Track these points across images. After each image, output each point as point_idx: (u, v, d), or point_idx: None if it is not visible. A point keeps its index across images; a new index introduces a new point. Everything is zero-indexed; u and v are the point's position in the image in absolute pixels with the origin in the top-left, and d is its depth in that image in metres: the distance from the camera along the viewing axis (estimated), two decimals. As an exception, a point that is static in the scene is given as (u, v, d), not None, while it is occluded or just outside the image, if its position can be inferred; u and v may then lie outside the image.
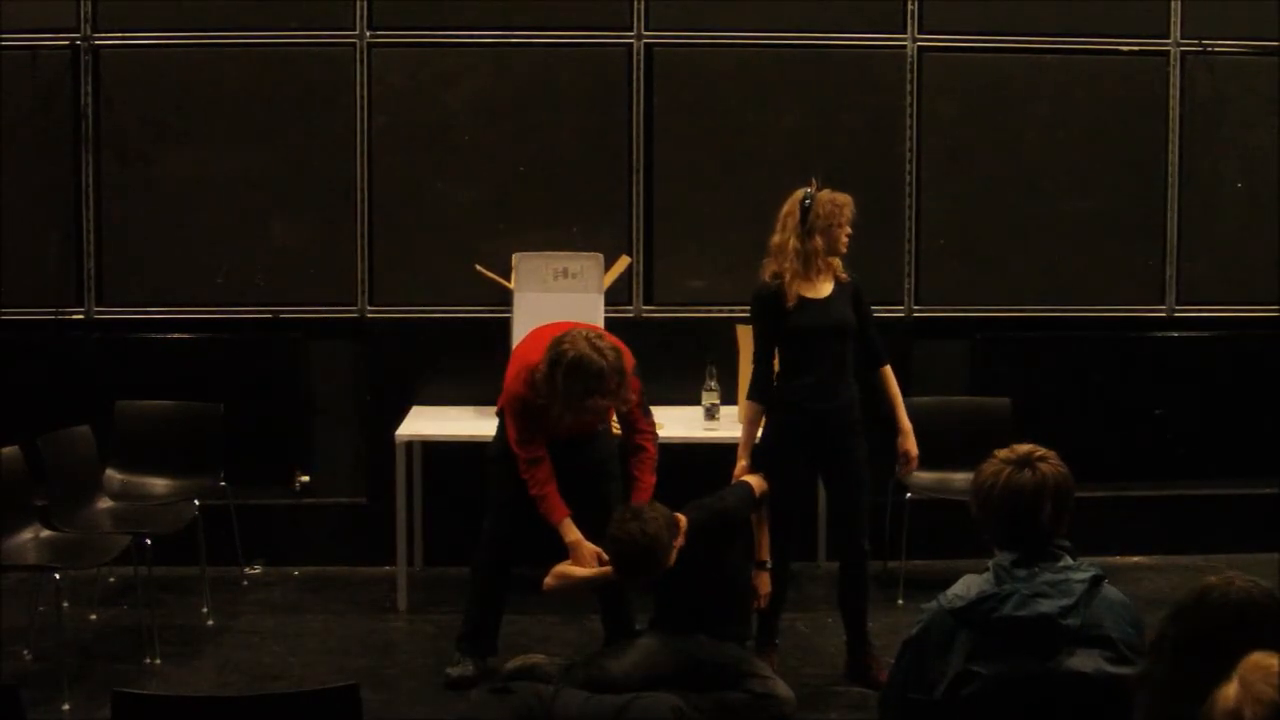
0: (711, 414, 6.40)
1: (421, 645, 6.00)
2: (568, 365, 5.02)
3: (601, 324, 6.26)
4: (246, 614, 6.34)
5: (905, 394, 5.80)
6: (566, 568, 5.30)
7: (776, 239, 5.42)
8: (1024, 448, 3.57)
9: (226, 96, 6.92)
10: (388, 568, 6.69)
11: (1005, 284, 7.15)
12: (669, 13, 6.98)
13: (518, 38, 6.95)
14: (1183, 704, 2.72)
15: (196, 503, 6.24)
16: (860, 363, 5.55)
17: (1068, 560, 3.49)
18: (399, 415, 6.69)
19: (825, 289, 5.42)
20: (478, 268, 6.78)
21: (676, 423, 6.32)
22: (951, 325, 7.16)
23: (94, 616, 6.22)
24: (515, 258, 6.72)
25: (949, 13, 7.06)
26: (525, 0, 6.97)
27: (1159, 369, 7.23)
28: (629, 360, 5.15)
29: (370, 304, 7.01)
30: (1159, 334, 7.26)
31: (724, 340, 6.60)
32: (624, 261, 6.84)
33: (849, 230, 5.42)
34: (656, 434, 5.48)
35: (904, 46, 7.04)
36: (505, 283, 6.73)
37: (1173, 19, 7.11)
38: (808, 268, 5.37)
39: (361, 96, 6.92)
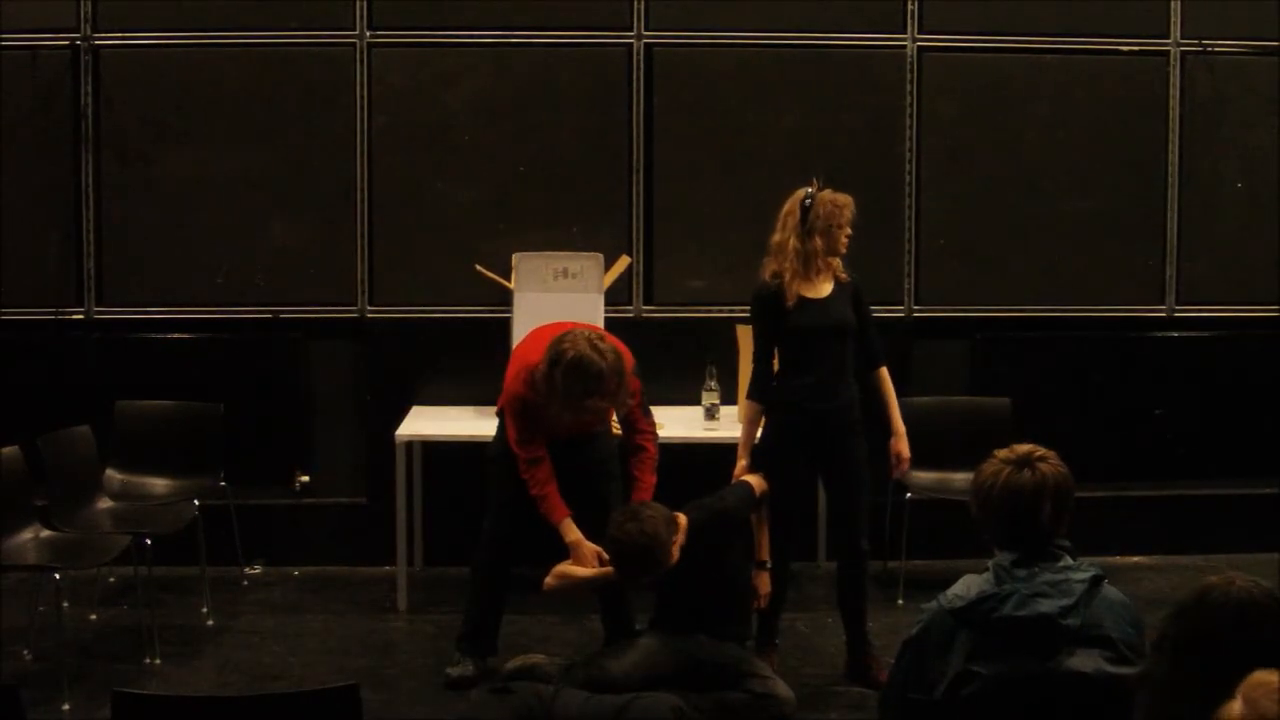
0: (711, 414, 6.40)
1: (421, 645, 6.00)
2: (567, 365, 5.02)
3: (601, 324, 6.27)
4: (246, 614, 6.34)
5: (905, 394, 5.81)
6: (567, 568, 5.30)
7: (776, 238, 5.43)
8: (1024, 448, 3.57)
9: (226, 96, 6.92)
10: (388, 568, 6.69)
11: (1005, 284, 7.15)
12: (669, 13, 6.98)
13: (518, 38, 6.95)
14: (1183, 704, 2.72)
15: (196, 503, 6.24)
16: (857, 363, 5.55)
17: (1068, 560, 3.50)
18: (399, 415, 6.69)
19: (825, 289, 5.42)
20: (478, 268, 6.79)
21: (676, 423, 6.32)
22: (951, 325, 7.16)
23: (94, 616, 6.22)
24: (515, 258, 6.72)
25: (949, 13, 7.06)
26: (525, 0, 6.97)
27: (1159, 369, 7.23)
28: (629, 362, 5.15)
29: (370, 304, 7.01)
30: (1159, 334, 7.26)
31: (724, 340, 6.60)
32: (624, 261, 6.84)
33: (849, 231, 5.41)
34: (657, 434, 5.48)
35: (904, 46, 7.04)
36: (505, 283, 6.73)
37: (1173, 19, 7.11)
38: (807, 268, 5.37)
39: (361, 96, 6.92)
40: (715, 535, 5.28)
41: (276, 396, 7.00)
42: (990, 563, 3.52)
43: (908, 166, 7.07)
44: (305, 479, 7.06)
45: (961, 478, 6.14)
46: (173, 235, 6.93)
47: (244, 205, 6.94)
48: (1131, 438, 7.22)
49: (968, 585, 3.49)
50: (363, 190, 6.95)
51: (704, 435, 6.36)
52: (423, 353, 6.97)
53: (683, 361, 6.64)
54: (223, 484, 6.53)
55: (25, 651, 5.66)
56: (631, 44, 6.97)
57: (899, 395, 5.70)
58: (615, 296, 6.85)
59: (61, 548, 5.71)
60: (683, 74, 7.01)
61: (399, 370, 6.97)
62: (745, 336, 6.13)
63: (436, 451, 6.67)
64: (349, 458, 7.11)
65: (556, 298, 6.50)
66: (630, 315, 6.98)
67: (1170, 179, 7.17)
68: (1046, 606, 3.39)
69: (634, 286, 7.02)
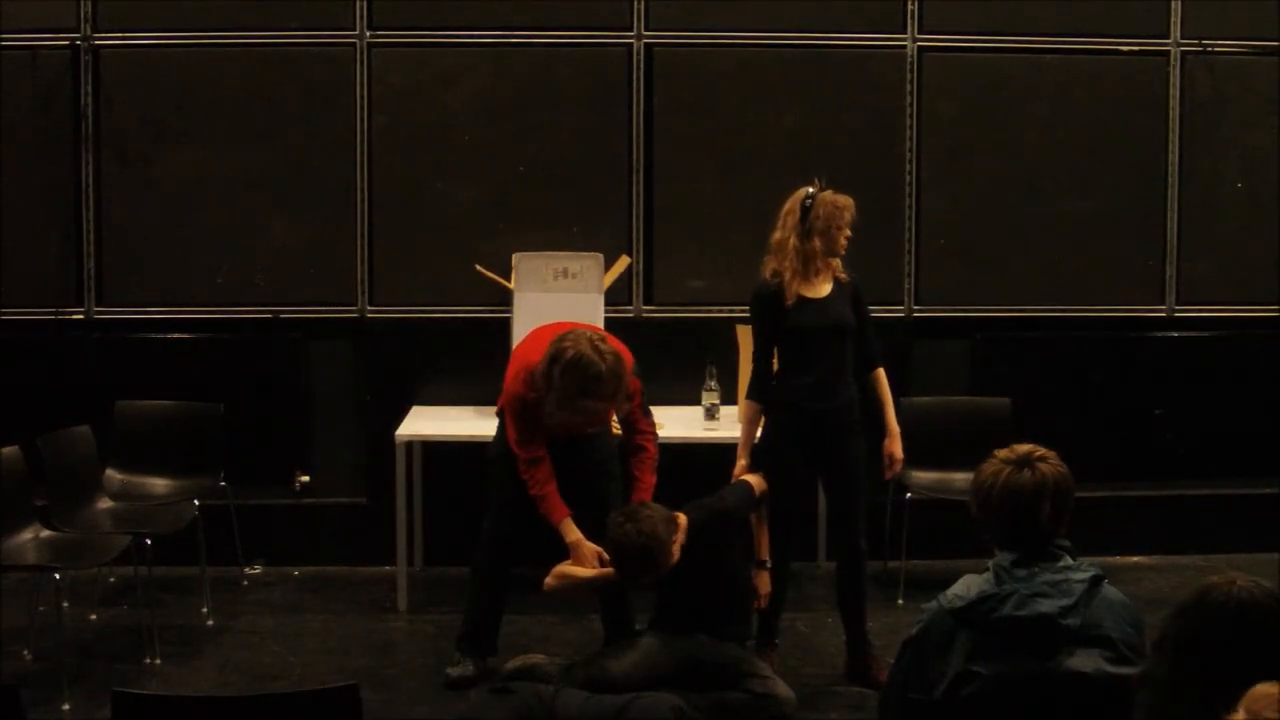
0: (711, 414, 6.40)
1: (421, 645, 6.00)
2: (567, 363, 5.02)
3: (601, 324, 6.27)
4: (246, 614, 6.34)
5: (905, 394, 5.81)
6: (567, 568, 5.30)
7: (777, 236, 5.43)
8: (1024, 448, 3.57)
9: (226, 96, 6.92)
10: (388, 568, 6.69)
11: (1005, 284, 7.15)
12: (669, 13, 6.98)
13: (518, 38, 6.95)
14: (1183, 704, 2.72)
15: (196, 503, 6.24)
16: (855, 364, 5.55)
17: (1067, 560, 3.50)
18: (399, 415, 6.69)
19: (824, 289, 5.42)
20: (478, 268, 6.79)
21: (676, 423, 6.32)
22: (951, 325, 7.16)
23: (94, 616, 6.22)
24: (515, 258, 6.72)
25: (949, 13, 7.06)
26: (525, 0, 6.97)
27: (1159, 369, 7.23)
28: (629, 363, 5.14)
29: (370, 304, 7.01)
30: (1159, 334, 7.26)
31: (724, 340, 6.60)
32: (624, 261, 6.85)
33: (848, 233, 5.41)
34: (657, 434, 5.48)
35: (904, 46, 7.04)
36: (505, 283, 6.73)
37: (1173, 19, 7.11)
38: (806, 267, 5.37)
39: (361, 96, 6.92)
40: (715, 535, 5.28)
41: (276, 396, 7.00)
42: (990, 563, 3.52)
43: (908, 166, 7.07)
44: (305, 479, 7.06)
45: (961, 478, 6.13)
46: (173, 235, 6.93)
47: (244, 205, 6.94)
48: (1131, 438, 7.22)
49: (968, 585, 3.49)
50: (363, 190, 6.95)
51: (704, 435, 6.36)
52: (423, 353, 6.97)
53: (683, 361, 6.64)
54: (223, 484, 6.53)
55: (25, 651, 5.66)
56: (631, 44, 6.97)
57: (899, 395, 5.71)
58: (615, 296, 6.85)
59: (61, 548, 5.71)
60: (683, 74, 7.01)
61: (399, 370, 6.97)
62: (745, 336, 6.13)
63: (436, 451, 6.67)
64: (349, 458, 7.11)
65: (556, 298, 6.50)
66: (630, 315, 6.98)
67: (1170, 179, 7.17)
68: (1046, 606, 3.39)
69: (634, 286, 7.02)
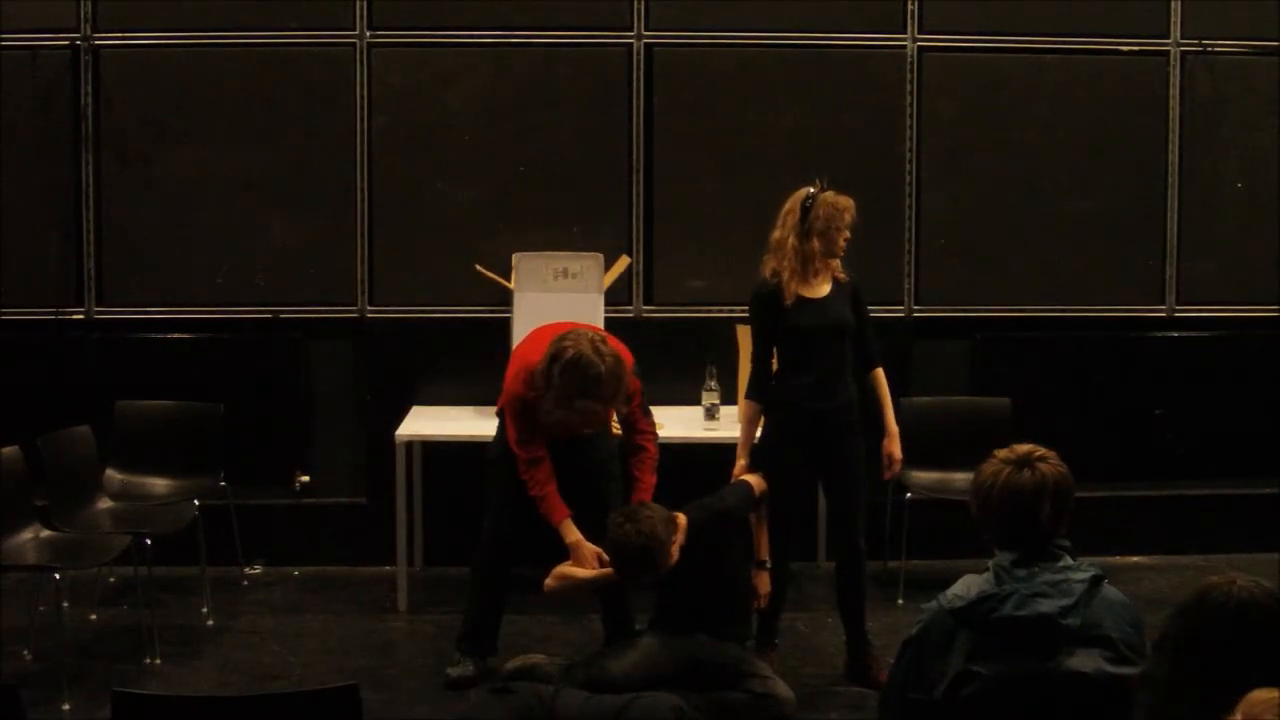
0: (711, 414, 6.40)
1: (421, 645, 6.00)
2: (566, 363, 5.02)
3: (601, 324, 6.27)
4: (246, 614, 6.34)
5: (905, 394, 5.81)
6: (567, 569, 5.30)
7: (776, 235, 5.43)
8: (1024, 448, 3.57)
9: (226, 96, 6.92)
10: (388, 568, 6.69)
11: (1005, 284, 7.15)
12: (669, 13, 6.98)
13: (518, 38, 6.95)
14: (1183, 704, 2.72)
15: (196, 503, 6.24)
16: (854, 364, 5.55)
17: (1067, 560, 3.50)
18: (399, 415, 6.69)
19: (823, 289, 5.42)
20: (478, 268, 6.79)
21: (676, 423, 6.32)
22: (951, 325, 7.16)
23: (94, 616, 6.22)
24: (515, 258, 6.72)
25: (949, 13, 7.06)
26: (525, 0, 6.97)
27: (1159, 369, 7.23)
28: (629, 364, 5.14)
29: (370, 304, 7.01)
30: (1159, 334, 7.26)
31: (724, 340, 6.60)
32: (624, 261, 6.85)
33: (848, 234, 5.41)
34: (657, 434, 5.48)
35: (904, 46, 7.04)
36: (505, 283, 6.73)
37: (1173, 19, 7.11)
38: (805, 268, 5.37)
39: (361, 96, 6.92)
40: (715, 535, 5.28)
41: (276, 396, 7.00)
42: (990, 563, 3.52)
43: (908, 166, 7.07)
44: (305, 479, 7.06)
45: (961, 478, 6.13)
46: (173, 235, 6.93)
47: (244, 205, 6.94)
48: (1131, 438, 7.22)
49: (968, 585, 3.49)
50: (363, 190, 6.95)
51: (704, 435, 6.36)
52: (423, 353, 6.97)
53: (683, 361, 6.64)
54: (223, 484, 6.53)
55: (25, 651, 5.66)
56: (631, 44, 6.97)
57: (899, 395, 5.72)
58: (615, 296, 6.85)
59: (61, 548, 5.71)
60: (683, 74, 7.01)
61: (399, 370, 6.97)
62: (745, 336, 6.13)
63: (436, 451, 6.67)
64: (349, 458, 7.11)
65: (556, 298, 6.50)
66: (630, 315, 6.98)
67: (1170, 179, 7.17)
68: (1046, 606, 3.39)
69: (634, 286, 7.02)
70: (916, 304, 7.13)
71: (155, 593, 6.03)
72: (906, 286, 7.11)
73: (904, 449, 5.68)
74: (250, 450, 6.79)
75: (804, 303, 5.37)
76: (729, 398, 6.42)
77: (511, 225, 6.94)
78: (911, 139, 7.06)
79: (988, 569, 3.51)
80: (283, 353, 7.02)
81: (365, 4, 6.90)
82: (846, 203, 5.39)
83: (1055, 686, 3.37)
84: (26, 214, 6.88)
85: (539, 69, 6.97)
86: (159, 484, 6.48)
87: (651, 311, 7.04)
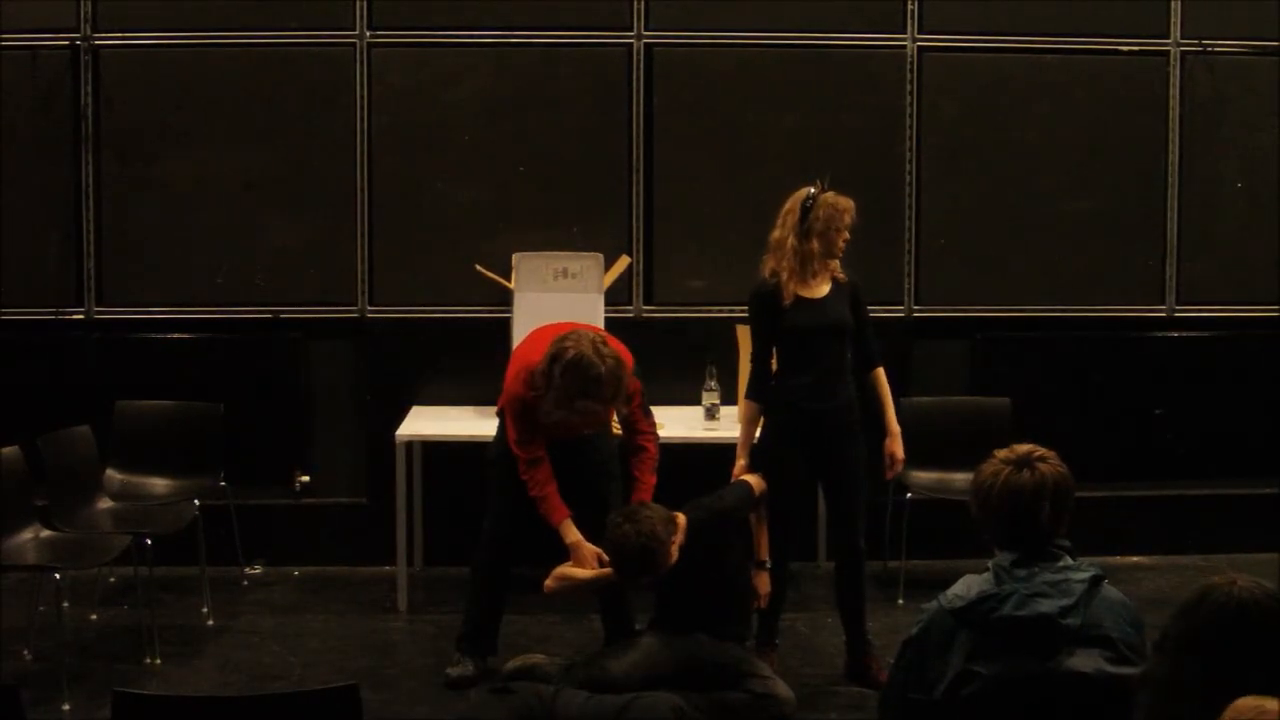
0: (711, 414, 6.40)
1: (421, 645, 6.00)
2: (567, 363, 5.02)
3: (601, 324, 6.27)
4: (246, 614, 6.34)
5: (905, 394, 5.81)
6: (567, 570, 5.30)
7: (776, 234, 5.43)
8: (1024, 448, 3.57)
9: (226, 96, 6.92)
10: (388, 568, 6.69)
11: (1005, 284, 7.15)
12: (669, 13, 6.98)
13: (518, 38, 6.95)
14: (1183, 704, 2.72)
15: (196, 503, 6.24)
16: (854, 364, 5.55)
17: (1067, 560, 3.50)
18: (399, 415, 6.69)
19: (822, 289, 5.42)
20: (478, 268, 6.79)
21: (676, 423, 6.32)
22: (951, 325, 7.16)
23: (94, 616, 6.22)
24: (515, 258, 6.72)
25: (949, 13, 7.06)
26: (525, 0, 6.97)
27: (1159, 369, 7.23)
28: (629, 364, 5.14)
29: (370, 304, 7.01)
30: (1159, 334, 7.26)
31: (724, 340, 6.60)
32: (624, 261, 6.85)
33: (847, 235, 5.41)
34: (657, 434, 5.48)
35: (904, 46, 7.04)
36: (505, 283, 6.73)
37: (1173, 19, 7.11)
38: (804, 268, 5.37)
39: (361, 96, 6.92)
40: (714, 535, 5.28)
41: (276, 396, 7.00)
42: (990, 563, 3.52)
43: (908, 166, 7.07)
44: (305, 479, 7.06)
45: (961, 478, 6.13)
46: (173, 235, 6.93)
47: (244, 205, 6.94)
48: (1131, 438, 7.22)
49: (968, 585, 3.49)
50: (363, 190, 6.95)
51: (704, 435, 6.36)
52: (423, 353, 6.97)
53: (683, 361, 6.64)
54: (223, 484, 6.53)
55: (25, 651, 5.65)
56: (631, 44, 6.97)
57: (899, 395, 5.71)
58: (615, 296, 6.85)
59: (61, 548, 5.71)
60: (683, 74, 7.01)
61: (399, 370, 6.97)
62: (745, 336, 6.13)
63: (436, 451, 6.67)
64: (349, 458, 7.11)
65: (556, 298, 6.50)
66: (630, 315, 6.98)
67: (1170, 179, 7.17)
68: (1046, 606, 3.39)
69: (634, 286, 7.02)
70: (916, 304, 7.13)
71: (155, 593, 6.03)
72: (906, 286, 7.11)
73: (904, 449, 5.68)
74: (250, 450, 6.79)
75: (803, 303, 5.37)
76: (729, 398, 6.42)
77: (511, 225, 6.94)
78: (911, 139, 7.06)
79: (988, 569, 3.51)
80: (283, 353, 7.02)
81: (365, 4, 6.90)
82: (846, 204, 5.39)
83: (1055, 686, 3.37)
84: (26, 214, 6.88)
85: (539, 69, 6.97)
86: (159, 484, 6.48)
87: (651, 311, 7.04)
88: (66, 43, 6.85)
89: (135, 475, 6.47)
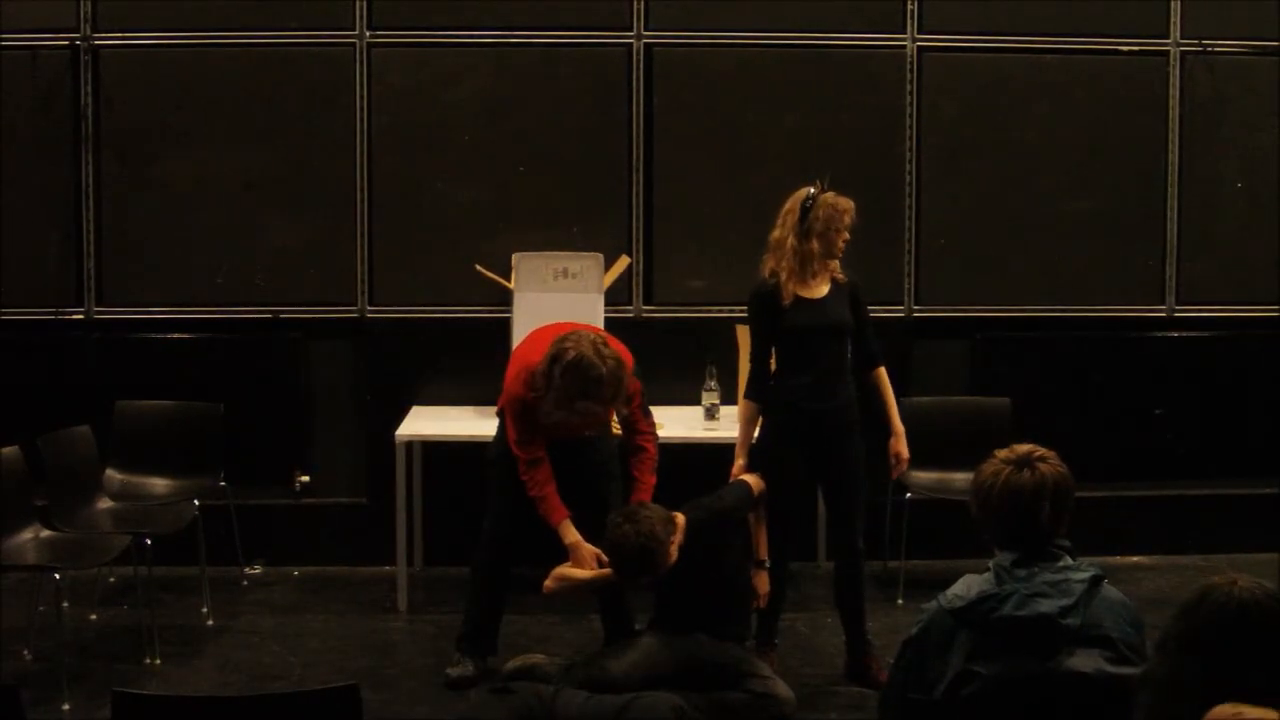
0: (711, 414, 6.40)
1: (421, 645, 6.00)
2: (567, 364, 5.02)
3: (601, 324, 6.27)
4: (246, 614, 6.34)
5: (905, 394, 5.81)
6: (566, 570, 5.30)
7: (776, 234, 5.43)
8: (1024, 448, 3.57)
9: (226, 96, 6.92)
10: (388, 568, 6.69)
11: (1005, 284, 7.15)
12: (669, 13, 6.98)
13: (518, 38, 6.95)
14: (1183, 704, 2.72)
15: (196, 503, 6.24)
16: (856, 364, 5.55)
17: (1067, 560, 3.50)
18: (399, 415, 6.69)
19: (822, 289, 5.42)
20: (478, 268, 6.78)
21: (676, 423, 6.32)
22: (951, 325, 7.16)
23: (94, 616, 6.22)
24: (515, 258, 6.72)
25: (949, 13, 7.06)
26: (525, 0, 6.97)
27: (1159, 369, 7.23)
28: (629, 365, 5.14)
29: (370, 304, 7.01)
30: (1159, 334, 7.26)
31: (724, 340, 6.60)
32: (624, 261, 6.85)
33: (847, 236, 5.40)
34: (657, 434, 5.48)
35: (904, 46, 7.04)
36: (505, 283, 6.73)
37: (1173, 19, 7.11)
38: (803, 268, 5.36)
39: (361, 96, 6.92)
40: (714, 535, 5.28)
41: (276, 396, 7.00)
42: (990, 563, 3.52)
43: (908, 166, 7.07)
44: (305, 479, 7.06)
45: (961, 478, 6.13)
46: (173, 235, 6.94)
47: (244, 205, 6.94)
48: (1131, 438, 7.22)
49: (968, 585, 3.49)
50: (363, 190, 6.95)
51: (704, 435, 6.36)
52: (423, 353, 6.97)
53: (683, 361, 6.64)
54: (223, 484, 6.53)
55: (25, 651, 5.65)
56: (631, 44, 6.97)
57: (899, 395, 5.70)
58: (615, 296, 6.85)
59: (61, 548, 5.71)
60: (683, 74, 7.01)
61: (399, 370, 6.97)
62: (745, 336, 6.13)
63: (436, 451, 6.67)
64: (349, 458, 7.11)
65: (556, 298, 6.51)
66: (630, 315, 6.98)
67: (1170, 179, 7.17)
68: (1046, 606, 3.39)
69: (634, 286, 7.02)
70: (916, 304, 7.13)
71: (155, 593, 6.03)
72: (906, 286, 7.11)
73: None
74: (250, 450, 6.79)
75: (802, 303, 5.37)
76: (729, 398, 6.41)
77: (511, 225, 6.94)
78: (911, 139, 7.06)
79: (988, 569, 3.51)
80: (283, 353, 7.02)
81: (365, 4, 6.90)
82: (846, 204, 5.39)
83: (1055, 686, 3.37)
84: (26, 214, 6.88)
85: (539, 69, 6.97)
86: (159, 484, 6.48)
87: (651, 311, 7.04)
88: (66, 43, 6.85)
89: (135, 475, 6.47)
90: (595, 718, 4.81)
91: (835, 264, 5.46)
